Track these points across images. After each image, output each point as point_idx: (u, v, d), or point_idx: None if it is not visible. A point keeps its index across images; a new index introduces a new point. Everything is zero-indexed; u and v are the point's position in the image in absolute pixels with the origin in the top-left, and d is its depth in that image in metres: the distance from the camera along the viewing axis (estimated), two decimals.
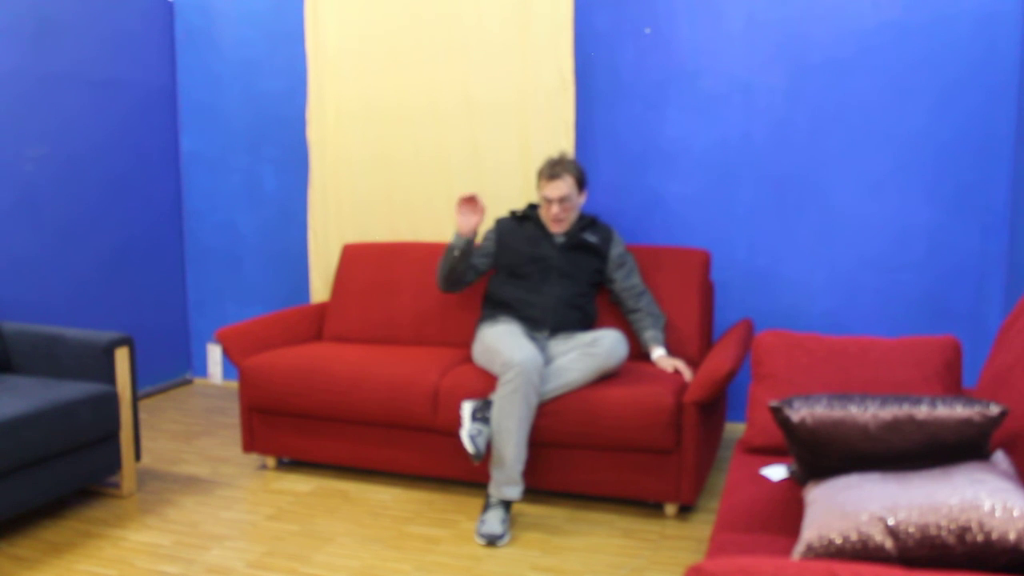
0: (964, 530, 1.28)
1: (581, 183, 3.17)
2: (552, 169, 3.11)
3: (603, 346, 2.86)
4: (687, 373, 2.95)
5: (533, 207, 3.28)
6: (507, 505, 2.75)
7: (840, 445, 1.58)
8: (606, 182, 3.76)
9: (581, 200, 3.20)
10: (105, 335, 2.99)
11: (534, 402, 2.77)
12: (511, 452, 2.72)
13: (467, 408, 2.82)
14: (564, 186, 3.09)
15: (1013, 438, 1.72)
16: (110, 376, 2.96)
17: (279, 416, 3.26)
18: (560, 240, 3.19)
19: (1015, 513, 1.27)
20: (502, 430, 2.74)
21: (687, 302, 3.27)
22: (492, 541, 2.65)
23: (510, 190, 3.62)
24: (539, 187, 3.16)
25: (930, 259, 3.41)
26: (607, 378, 2.88)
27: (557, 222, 3.15)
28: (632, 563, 2.53)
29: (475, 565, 2.52)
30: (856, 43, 3.40)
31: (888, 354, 2.18)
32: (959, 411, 1.53)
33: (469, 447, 2.74)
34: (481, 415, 2.80)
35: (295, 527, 2.80)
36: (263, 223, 4.41)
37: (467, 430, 2.77)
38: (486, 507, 2.75)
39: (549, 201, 3.12)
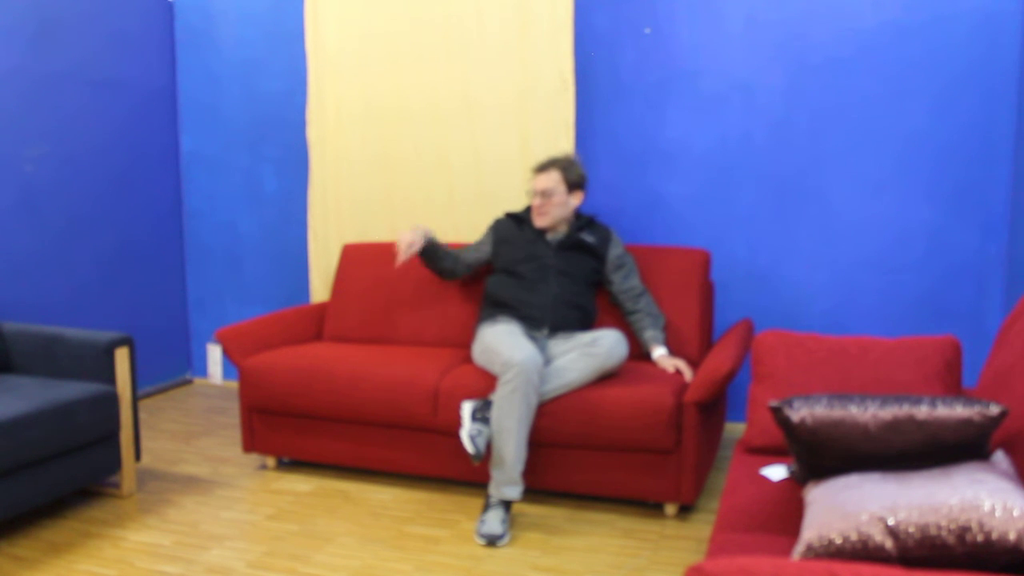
0: (964, 530, 1.28)
1: (573, 182, 3.17)
2: (542, 164, 3.18)
3: (603, 346, 2.86)
4: (688, 373, 2.95)
5: (530, 209, 3.30)
6: (507, 505, 2.75)
7: (840, 445, 1.58)
8: (606, 182, 3.76)
9: (573, 200, 3.20)
10: (105, 335, 2.99)
11: (534, 402, 2.77)
12: (511, 452, 2.73)
13: (467, 408, 2.82)
14: (546, 179, 3.13)
15: (1013, 438, 1.72)
16: (110, 376, 2.96)
17: (279, 416, 3.26)
18: (555, 239, 3.19)
19: (1015, 513, 1.27)
20: (502, 430, 2.74)
21: (687, 302, 3.27)
22: (492, 541, 2.65)
23: (510, 190, 3.63)
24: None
25: (930, 259, 3.41)
26: (607, 378, 2.88)
27: (539, 215, 3.16)
28: (632, 563, 2.53)
29: (475, 565, 2.52)
30: (856, 43, 3.40)
31: (888, 354, 2.18)
32: (959, 411, 1.53)
33: (469, 447, 2.74)
34: (481, 415, 2.80)
35: (295, 527, 2.80)
36: (263, 223, 4.41)
37: (467, 430, 2.77)
38: (486, 507, 2.75)
39: (533, 194, 3.15)
